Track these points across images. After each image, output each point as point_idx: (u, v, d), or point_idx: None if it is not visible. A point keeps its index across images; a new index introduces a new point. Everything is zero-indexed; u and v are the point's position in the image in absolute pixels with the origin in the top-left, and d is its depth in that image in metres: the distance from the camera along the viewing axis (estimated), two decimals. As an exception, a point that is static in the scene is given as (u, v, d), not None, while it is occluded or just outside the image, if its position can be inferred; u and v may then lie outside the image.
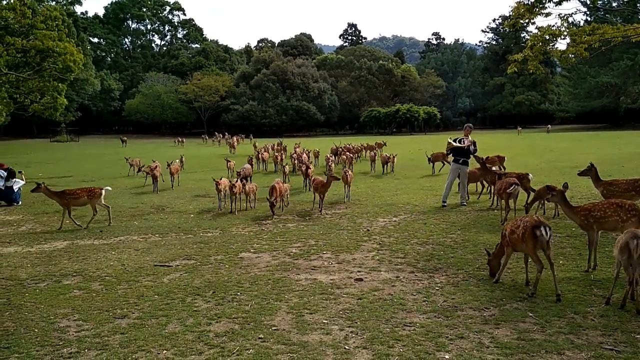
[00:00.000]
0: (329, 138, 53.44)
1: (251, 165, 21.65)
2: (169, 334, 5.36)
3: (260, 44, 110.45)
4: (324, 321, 5.59)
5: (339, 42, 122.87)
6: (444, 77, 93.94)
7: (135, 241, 10.11)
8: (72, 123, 72.85)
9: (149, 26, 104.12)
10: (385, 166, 21.09)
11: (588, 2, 19.97)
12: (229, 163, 21.81)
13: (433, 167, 20.67)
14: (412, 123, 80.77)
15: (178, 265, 8.13)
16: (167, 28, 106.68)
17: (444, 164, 20.43)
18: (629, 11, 45.92)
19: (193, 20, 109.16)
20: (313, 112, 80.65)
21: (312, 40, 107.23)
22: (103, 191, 11.84)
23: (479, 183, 14.51)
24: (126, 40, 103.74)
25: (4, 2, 25.99)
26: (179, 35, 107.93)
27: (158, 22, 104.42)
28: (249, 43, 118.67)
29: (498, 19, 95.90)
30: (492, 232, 9.67)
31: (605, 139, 41.18)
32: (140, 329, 5.52)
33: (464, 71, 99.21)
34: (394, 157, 21.33)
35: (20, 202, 15.75)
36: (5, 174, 15.78)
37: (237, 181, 13.10)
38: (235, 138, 46.23)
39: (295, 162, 21.83)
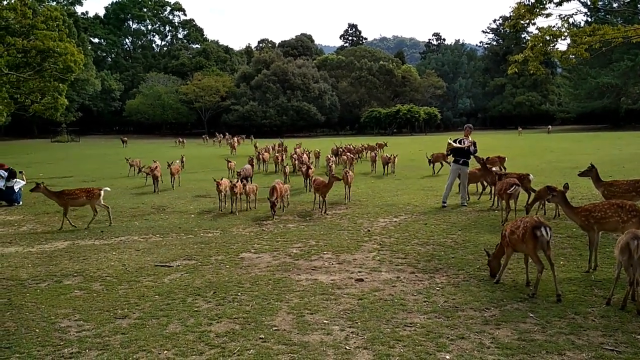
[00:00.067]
0: (329, 138, 53.47)
1: (252, 165, 21.66)
2: (170, 334, 5.37)
3: (261, 45, 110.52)
4: (325, 321, 5.60)
5: (339, 43, 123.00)
6: (444, 78, 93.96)
7: (136, 241, 10.12)
8: (72, 123, 72.99)
9: (149, 26, 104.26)
10: (386, 167, 21.09)
11: (588, 3, 19.96)
12: (229, 163, 21.82)
13: (433, 167, 20.68)
14: (413, 124, 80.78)
15: (179, 266, 8.13)
16: (167, 28, 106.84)
17: (442, 165, 20.44)
18: (629, 12, 45.93)
19: (194, 21, 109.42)
20: (313, 112, 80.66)
21: (312, 41, 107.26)
22: (102, 192, 11.85)
23: (479, 183, 14.52)
24: (127, 40, 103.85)
25: (5, 3, 25.97)
26: (180, 36, 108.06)
27: (159, 23, 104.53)
28: (249, 43, 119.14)
29: (498, 20, 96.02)
30: (493, 232, 9.66)
31: (605, 139, 41.18)
32: (141, 329, 5.53)
33: (465, 72, 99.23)
34: (394, 157, 21.33)
35: (21, 202, 15.76)
36: (6, 174, 15.80)
37: (237, 181, 13.11)
38: (236, 138, 46.24)
39: (296, 162, 21.84)
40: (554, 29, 14.95)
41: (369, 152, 26.31)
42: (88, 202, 11.68)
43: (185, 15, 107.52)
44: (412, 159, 27.16)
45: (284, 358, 4.75)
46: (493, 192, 12.92)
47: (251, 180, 16.21)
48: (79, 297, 6.70)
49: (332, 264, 7.99)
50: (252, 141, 47.71)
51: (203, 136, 61.83)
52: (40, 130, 75.87)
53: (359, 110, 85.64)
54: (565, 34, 15.06)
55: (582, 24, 48.52)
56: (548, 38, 15.09)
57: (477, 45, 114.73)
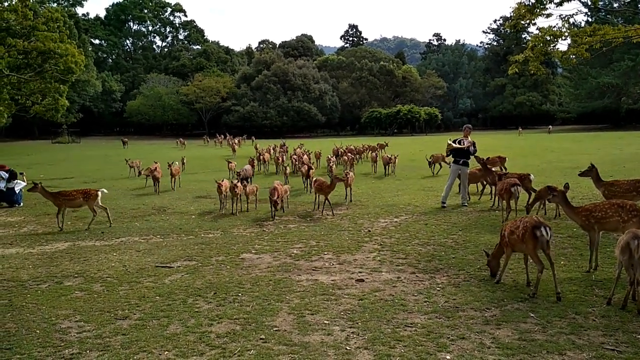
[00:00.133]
0: (330, 139, 53.48)
1: (252, 166, 21.66)
2: (171, 334, 5.37)
3: (261, 45, 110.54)
4: (325, 322, 5.60)
5: (340, 43, 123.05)
6: (445, 78, 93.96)
7: (137, 242, 10.12)
8: (73, 124, 73.12)
9: (150, 27, 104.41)
10: (387, 167, 21.07)
11: (589, 3, 19.96)
12: (230, 164, 21.83)
13: (432, 168, 20.67)
14: (413, 124, 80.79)
15: (179, 266, 8.13)
16: (168, 29, 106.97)
17: (441, 166, 20.47)
18: (630, 12, 45.92)
19: (194, 22, 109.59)
20: (314, 113, 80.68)
21: (313, 42, 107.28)
22: (99, 193, 11.84)
23: (479, 183, 14.52)
24: (127, 41, 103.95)
25: (6, 4, 25.98)
26: (180, 37, 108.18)
27: (159, 24, 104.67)
28: (250, 44, 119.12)
29: (499, 20, 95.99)
30: (493, 232, 9.66)
31: (606, 139, 41.16)
32: (141, 329, 5.53)
33: (465, 72, 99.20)
34: (395, 158, 21.32)
35: (21, 204, 15.77)
36: (7, 175, 15.81)
37: (237, 182, 13.11)
38: (236, 139, 46.22)
39: (296, 163, 21.83)
40: (555, 29, 14.97)
41: (370, 152, 26.30)
42: (85, 204, 11.69)
43: (185, 16, 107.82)
44: (413, 159, 27.15)
45: (285, 358, 4.75)
46: (493, 192, 12.93)
47: (251, 181, 16.21)
48: (80, 298, 6.70)
49: (333, 264, 7.99)
50: (252, 142, 47.70)
51: (204, 137, 61.87)
52: (41, 131, 75.99)
53: (359, 110, 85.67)
54: (566, 34, 15.08)
55: (582, 24, 48.52)
56: (548, 38, 15.11)
57: (477, 45, 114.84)
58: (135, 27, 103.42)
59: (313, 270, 7.69)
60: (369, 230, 10.43)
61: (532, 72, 16.15)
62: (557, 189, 7.80)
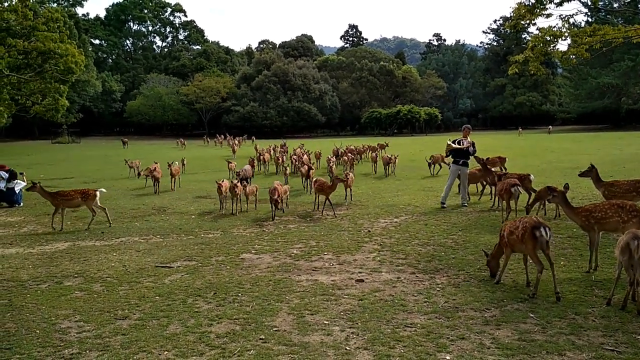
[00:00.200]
0: (329, 139, 53.48)
1: (252, 166, 21.65)
2: (170, 334, 5.37)
3: (261, 45, 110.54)
4: (325, 322, 5.60)
5: (340, 44, 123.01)
6: (444, 78, 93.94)
7: (137, 242, 10.13)
8: (73, 124, 73.14)
9: (150, 28, 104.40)
10: (387, 167, 21.06)
11: (589, 3, 19.98)
12: (230, 164, 21.83)
13: (432, 169, 20.65)
14: (413, 124, 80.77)
15: (179, 267, 8.14)
16: (168, 29, 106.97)
17: (441, 167, 20.49)
18: (630, 12, 45.93)
19: (194, 22, 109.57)
20: (314, 113, 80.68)
21: (313, 42, 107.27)
22: (97, 193, 11.85)
23: (479, 184, 14.52)
24: (127, 41, 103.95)
25: (6, 4, 25.99)
26: (180, 37, 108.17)
27: (159, 24, 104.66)
28: (250, 44, 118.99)
29: (499, 20, 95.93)
30: (493, 233, 9.65)
31: (606, 139, 41.15)
32: (141, 330, 5.53)
33: (465, 72, 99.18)
34: (395, 158, 21.31)
35: (21, 204, 15.78)
36: (7, 175, 15.82)
37: (237, 182, 13.10)
38: (237, 140, 46.18)
39: (296, 163, 21.80)
40: (555, 29, 14.97)
41: (371, 152, 26.29)
42: (83, 204, 11.69)
43: (185, 16, 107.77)
44: (413, 159, 27.14)
45: (285, 359, 4.76)
46: (492, 192, 12.93)
47: (250, 182, 16.20)
48: (80, 298, 6.70)
49: (333, 264, 7.99)
50: (253, 142, 47.66)
51: (204, 137, 61.86)
52: (41, 131, 76.00)
53: (359, 110, 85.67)
54: (566, 34, 15.08)
55: (582, 24, 48.53)
56: (548, 38, 15.11)
57: (477, 45, 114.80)
58: (135, 27, 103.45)
59: (313, 270, 7.69)
60: (369, 231, 10.43)
61: (532, 72, 16.16)
62: (557, 189, 7.80)
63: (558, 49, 15.94)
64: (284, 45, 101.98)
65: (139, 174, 19.61)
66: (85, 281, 7.48)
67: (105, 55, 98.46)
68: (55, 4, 77.45)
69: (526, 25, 16.17)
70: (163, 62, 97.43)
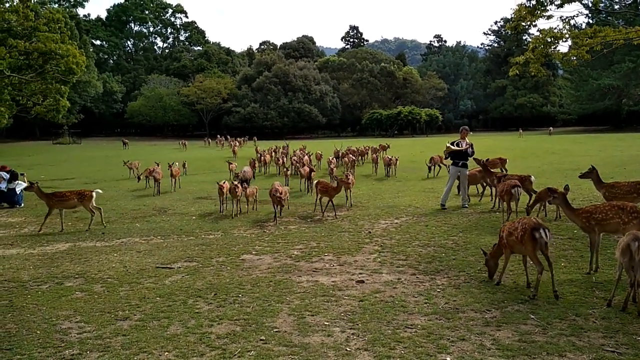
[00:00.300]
0: (330, 140, 53.47)
1: (253, 167, 21.65)
2: (171, 335, 5.38)
3: (262, 47, 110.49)
4: (326, 323, 5.60)
5: (340, 45, 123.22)
6: (445, 80, 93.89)
7: (137, 243, 10.13)
8: (74, 125, 73.17)
9: (151, 29, 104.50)
10: (389, 169, 21.04)
11: (590, 5, 19.98)
12: (230, 165, 21.84)
13: (432, 170, 20.65)
14: (414, 125, 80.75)
15: (180, 267, 8.14)
16: (169, 30, 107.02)
17: (440, 167, 20.49)
18: (630, 14, 45.94)
19: (195, 23, 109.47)
20: (315, 114, 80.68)
21: (314, 43, 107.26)
22: (94, 194, 11.85)
23: (479, 185, 14.52)
24: (128, 42, 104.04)
25: (7, 5, 25.99)
26: (181, 38, 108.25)
27: (160, 25, 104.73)
28: (251, 45, 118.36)
29: (500, 22, 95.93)
30: (494, 234, 9.64)
31: (607, 141, 41.11)
32: (142, 330, 5.54)
33: (466, 73, 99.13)
34: (396, 159, 21.30)
35: (22, 204, 15.79)
36: (8, 176, 15.84)
37: (238, 183, 13.09)
38: (238, 140, 46.13)
39: (297, 164, 21.78)
40: (555, 30, 14.98)
41: (372, 153, 26.27)
42: (80, 204, 11.69)
43: (187, 17, 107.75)
44: (414, 160, 27.13)
45: (285, 359, 4.76)
46: (493, 193, 12.92)
47: (249, 183, 16.18)
48: (80, 299, 6.71)
49: (333, 265, 8.00)
50: (254, 143, 47.64)
51: (205, 138, 61.88)
52: (42, 132, 76.05)
53: (360, 112, 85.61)
54: (567, 35, 15.08)
55: (583, 26, 48.59)
56: (549, 40, 15.12)
57: (478, 47, 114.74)
58: (136, 28, 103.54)
59: (313, 271, 7.69)
60: (370, 232, 10.43)
61: (532, 73, 16.16)
62: (557, 190, 7.80)
63: (559, 50, 15.97)
64: (284, 46, 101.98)
65: (138, 177, 19.50)
66: (86, 282, 7.49)
67: (106, 56, 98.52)
68: (57, 5, 77.59)
69: (527, 26, 16.19)
70: (164, 63, 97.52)
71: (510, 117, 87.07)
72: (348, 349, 4.92)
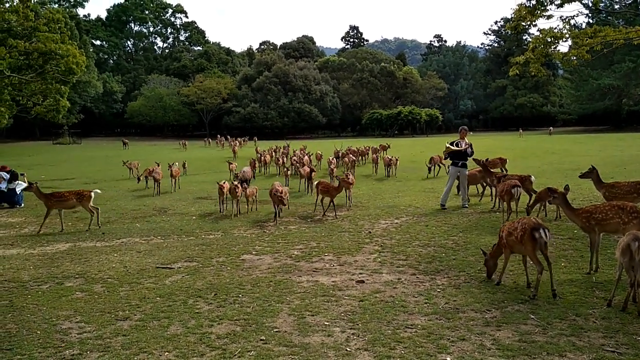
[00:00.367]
0: (330, 140, 53.49)
1: (253, 168, 21.65)
2: (171, 335, 5.38)
3: (262, 47, 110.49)
4: (326, 323, 5.60)
5: (340, 45, 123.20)
6: (445, 80, 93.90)
7: (137, 243, 10.14)
8: (74, 125, 73.18)
9: (151, 29, 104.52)
10: (389, 169, 21.03)
11: (590, 5, 19.98)
12: (230, 165, 21.85)
13: (432, 170, 20.64)
14: (414, 125, 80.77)
15: (180, 267, 8.15)
16: (169, 30, 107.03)
17: (440, 167, 20.48)
18: (630, 13, 45.94)
19: (195, 23, 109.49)
20: (315, 114, 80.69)
21: (314, 43, 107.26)
22: (92, 194, 11.84)
23: (479, 185, 14.52)
24: (128, 42, 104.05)
25: (7, 5, 25.99)
26: (181, 38, 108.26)
27: (160, 25, 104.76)
28: (251, 45, 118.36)
29: (500, 21, 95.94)
30: (494, 234, 9.64)
31: (607, 141, 41.11)
32: (142, 330, 5.54)
33: (466, 73, 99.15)
34: (396, 159, 21.29)
35: (22, 205, 15.80)
36: (8, 176, 15.84)
37: (237, 184, 13.08)
38: (239, 141, 46.09)
39: (297, 164, 21.76)
40: (555, 30, 14.98)
41: (372, 153, 26.26)
42: (79, 205, 11.68)
43: (187, 17, 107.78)
44: (414, 160, 27.13)
45: (285, 359, 4.77)
46: (493, 193, 12.92)
47: (249, 184, 16.18)
48: (80, 299, 6.71)
49: (333, 265, 8.00)
50: (255, 143, 47.63)
51: (205, 138, 61.89)
52: (42, 132, 76.07)
53: (360, 112, 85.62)
54: (567, 35, 15.08)
55: (583, 26, 48.59)
56: (549, 40, 15.11)
57: (478, 46, 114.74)
58: (136, 28, 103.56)
59: (313, 271, 7.69)
60: (370, 232, 10.43)
61: (533, 73, 16.16)
62: (557, 190, 7.80)
63: (559, 50, 15.96)
64: (284, 46, 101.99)
65: (138, 178, 19.45)
66: (86, 282, 7.49)
67: (106, 56, 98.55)
68: (57, 5, 77.61)
69: (527, 26, 16.20)
70: (164, 63, 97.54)
71: (511, 117, 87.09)
72: (348, 349, 4.92)
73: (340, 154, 25.02)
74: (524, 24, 15.55)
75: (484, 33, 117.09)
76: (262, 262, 8.34)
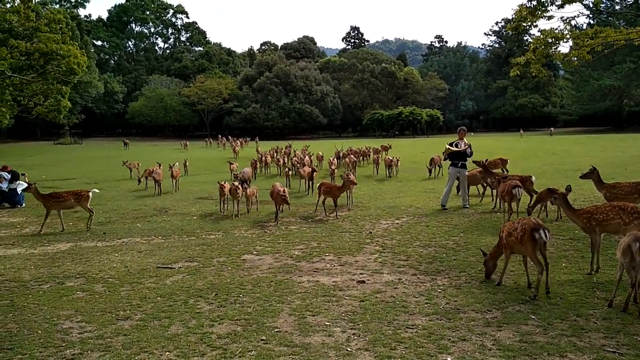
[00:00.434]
0: (331, 140, 53.50)
1: (255, 169, 21.66)
2: (172, 335, 5.38)
3: (263, 47, 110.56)
4: (326, 323, 5.60)
5: (341, 45, 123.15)
6: (446, 80, 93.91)
7: (138, 243, 10.14)
8: (75, 125, 73.22)
9: (152, 29, 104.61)
10: (390, 169, 21.02)
11: (591, 5, 19.96)
12: (231, 165, 21.85)
13: (432, 171, 20.63)
14: (415, 126, 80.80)
15: (181, 267, 8.15)
16: (170, 31, 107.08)
17: (440, 167, 20.49)
18: (631, 14, 45.92)
19: (196, 24, 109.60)
20: (316, 114, 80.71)
21: (315, 43, 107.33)
22: (90, 194, 11.84)
23: (480, 185, 14.52)
24: (130, 43, 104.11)
25: (8, 5, 26.04)
26: (182, 38, 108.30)
27: (161, 25, 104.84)
28: (252, 46, 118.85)
29: (501, 22, 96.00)
30: (495, 234, 9.62)
31: (608, 141, 41.10)
32: (142, 330, 5.54)
33: (467, 74, 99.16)
34: (397, 160, 21.28)
35: (23, 204, 15.81)
36: (9, 176, 15.86)
37: (238, 184, 13.07)
38: (240, 141, 46.08)
39: (297, 164, 21.75)
40: (556, 31, 14.94)
41: (374, 154, 26.24)
42: (77, 205, 11.68)
43: (188, 17, 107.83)
44: (415, 160, 27.13)
45: (286, 359, 4.76)
46: (494, 194, 12.92)
47: (249, 184, 16.18)
48: (81, 299, 6.72)
49: (334, 265, 8.00)
50: (256, 143, 47.63)
51: (206, 139, 61.92)
52: (43, 132, 76.15)
53: (361, 112, 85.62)
54: (568, 36, 15.05)
55: (584, 27, 48.54)
56: (550, 40, 15.08)
57: (479, 47, 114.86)
58: (137, 28, 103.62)
59: (314, 271, 7.69)
60: (371, 232, 10.43)
61: (533, 74, 16.13)
62: (557, 191, 7.81)
63: (560, 51, 15.91)
64: (285, 46, 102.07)
65: (139, 180, 19.39)
66: (87, 282, 7.50)
67: (107, 57, 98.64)
68: (58, 5, 77.66)
69: (528, 27, 16.16)
70: (165, 64, 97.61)
71: (511, 118, 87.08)
72: (349, 349, 4.92)
73: (341, 155, 25.02)
74: (524, 24, 15.52)
75: (485, 34, 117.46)
76: (262, 262, 8.35)
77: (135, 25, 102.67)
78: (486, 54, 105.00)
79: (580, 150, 32.19)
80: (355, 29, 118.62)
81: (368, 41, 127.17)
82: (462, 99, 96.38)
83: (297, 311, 5.98)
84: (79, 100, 70.22)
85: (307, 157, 22.54)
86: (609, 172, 17.02)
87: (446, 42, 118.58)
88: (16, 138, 72.51)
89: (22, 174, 16.93)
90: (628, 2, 56.14)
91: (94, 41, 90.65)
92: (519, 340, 5.00)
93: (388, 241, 9.55)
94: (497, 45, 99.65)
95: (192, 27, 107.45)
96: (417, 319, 5.65)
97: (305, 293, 6.65)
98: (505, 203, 10.87)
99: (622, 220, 6.83)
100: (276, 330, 5.45)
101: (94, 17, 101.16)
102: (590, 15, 52.78)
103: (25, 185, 16.16)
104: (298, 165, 20.63)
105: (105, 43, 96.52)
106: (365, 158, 27.42)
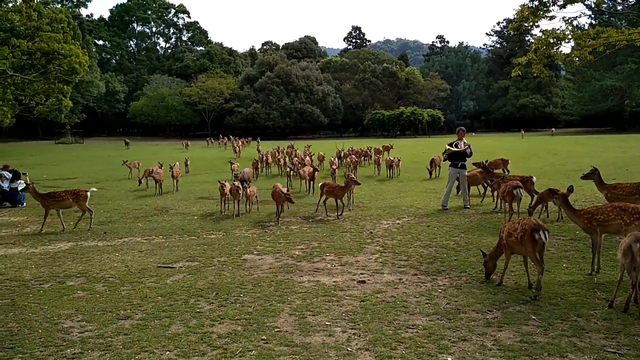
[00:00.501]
0: (332, 140, 53.50)
1: (256, 169, 21.65)
2: (172, 335, 5.38)
3: (265, 47, 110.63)
4: (327, 323, 5.60)
5: (343, 45, 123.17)
6: (448, 80, 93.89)
7: (139, 243, 10.15)
8: (76, 125, 73.32)
9: (153, 29, 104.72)
10: (390, 170, 21.00)
11: (593, 6, 19.93)
12: (232, 165, 21.85)
13: (433, 172, 20.60)
14: (416, 126, 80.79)
15: (181, 267, 8.15)
16: (172, 31, 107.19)
17: (440, 167, 20.48)
18: (633, 15, 45.87)
19: (198, 23, 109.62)
20: (317, 114, 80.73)
21: (316, 43, 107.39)
22: (88, 193, 11.84)
23: (480, 186, 14.51)
24: (131, 42, 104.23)
25: (10, 5, 26.10)
26: (184, 38, 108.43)
27: (163, 25, 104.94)
28: (253, 46, 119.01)
29: (502, 22, 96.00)
30: (495, 235, 9.59)
31: (609, 142, 41.06)
32: (143, 330, 5.55)
33: (468, 74, 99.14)
34: (398, 160, 21.26)
35: (24, 204, 15.82)
36: (10, 175, 15.87)
37: (238, 184, 13.06)
38: (242, 141, 46.07)
39: (297, 164, 21.72)
40: (558, 31, 14.93)
41: (376, 154, 26.21)
42: (75, 204, 11.67)
43: (189, 17, 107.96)
44: (416, 161, 27.13)
45: (286, 359, 4.76)
46: (494, 194, 12.91)
47: (249, 184, 16.16)
48: (82, 298, 6.72)
49: (335, 265, 8.00)
50: (258, 143, 47.63)
51: (207, 138, 61.95)
52: (45, 131, 76.27)
53: (362, 112, 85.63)
54: (569, 36, 15.04)
55: (586, 27, 48.42)
56: (552, 41, 15.07)
57: (480, 47, 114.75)
58: (139, 28, 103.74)
59: (315, 271, 7.69)
60: (371, 232, 10.43)
61: (535, 74, 16.11)
62: (558, 191, 7.81)
63: (561, 51, 15.89)
64: (287, 46, 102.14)
65: (140, 181, 19.32)
66: (87, 281, 7.50)
67: (108, 56, 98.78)
68: (59, 5, 77.71)
69: (529, 27, 16.14)
70: (166, 63, 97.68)
71: (513, 118, 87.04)
72: (349, 349, 4.92)
73: (342, 155, 25.01)
74: (526, 24, 15.51)
75: (487, 34, 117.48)
76: (263, 262, 8.35)
77: (137, 24, 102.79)
78: (488, 54, 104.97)
79: (581, 151, 32.16)
80: (356, 28, 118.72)
81: (369, 41, 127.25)
82: (463, 99, 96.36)
83: (298, 311, 5.98)
84: (81, 100, 70.35)
85: (307, 157, 22.51)
86: (610, 173, 17.00)
87: (448, 42, 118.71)
88: (17, 137, 72.62)
89: (23, 173, 16.95)
90: (630, 2, 56.12)
91: (96, 41, 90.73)
92: (519, 341, 5.00)
93: (389, 241, 9.55)
94: (498, 46, 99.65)
95: (193, 26, 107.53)
96: (417, 319, 5.65)
97: (305, 293, 6.66)
98: (506, 203, 10.87)
99: (623, 220, 6.83)
100: (276, 330, 5.45)
101: (96, 16, 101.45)
102: (592, 16, 52.72)
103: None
104: (298, 165, 20.62)
105: (106, 42, 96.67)
106: (366, 158, 27.40)
